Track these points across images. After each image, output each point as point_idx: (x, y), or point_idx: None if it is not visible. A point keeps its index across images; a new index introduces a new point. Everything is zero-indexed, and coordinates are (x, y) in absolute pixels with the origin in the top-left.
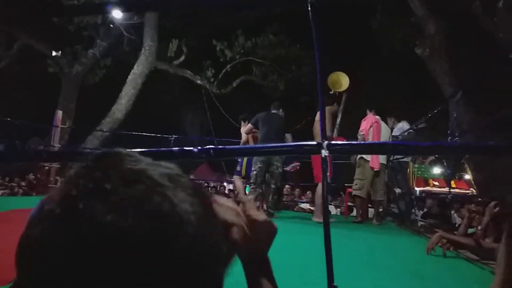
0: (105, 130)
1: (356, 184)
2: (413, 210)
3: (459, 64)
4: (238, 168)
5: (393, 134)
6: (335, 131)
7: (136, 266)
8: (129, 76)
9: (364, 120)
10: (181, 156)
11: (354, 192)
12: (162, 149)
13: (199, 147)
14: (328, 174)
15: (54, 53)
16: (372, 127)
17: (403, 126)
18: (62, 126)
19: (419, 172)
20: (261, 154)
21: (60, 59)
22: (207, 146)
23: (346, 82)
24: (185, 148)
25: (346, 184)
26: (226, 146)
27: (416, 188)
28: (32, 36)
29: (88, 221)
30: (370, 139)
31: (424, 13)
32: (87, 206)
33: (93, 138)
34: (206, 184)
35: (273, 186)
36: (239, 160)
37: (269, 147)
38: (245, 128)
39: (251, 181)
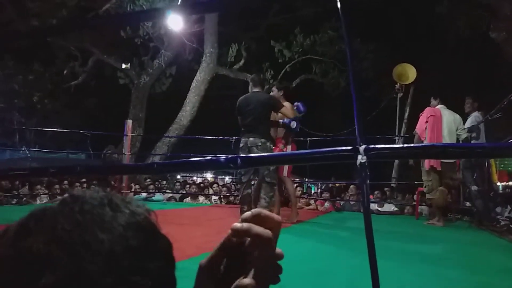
0: (172, 136)
1: (425, 187)
2: (494, 209)
3: None
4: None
5: (465, 125)
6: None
7: None
8: (192, 83)
9: (421, 114)
10: (209, 166)
11: (427, 196)
12: (190, 159)
13: (225, 156)
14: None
15: (123, 66)
16: (428, 122)
17: (475, 118)
18: (132, 134)
19: (502, 165)
20: (292, 162)
21: (129, 71)
22: (234, 155)
23: (413, 74)
24: (212, 158)
25: (416, 182)
26: (254, 155)
27: (498, 183)
28: (104, 51)
29: None
30: (427, 137)
31: None
32: None
33: (162, 145)
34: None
35: (267, 180)
36: None
37: (300, 154)
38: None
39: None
